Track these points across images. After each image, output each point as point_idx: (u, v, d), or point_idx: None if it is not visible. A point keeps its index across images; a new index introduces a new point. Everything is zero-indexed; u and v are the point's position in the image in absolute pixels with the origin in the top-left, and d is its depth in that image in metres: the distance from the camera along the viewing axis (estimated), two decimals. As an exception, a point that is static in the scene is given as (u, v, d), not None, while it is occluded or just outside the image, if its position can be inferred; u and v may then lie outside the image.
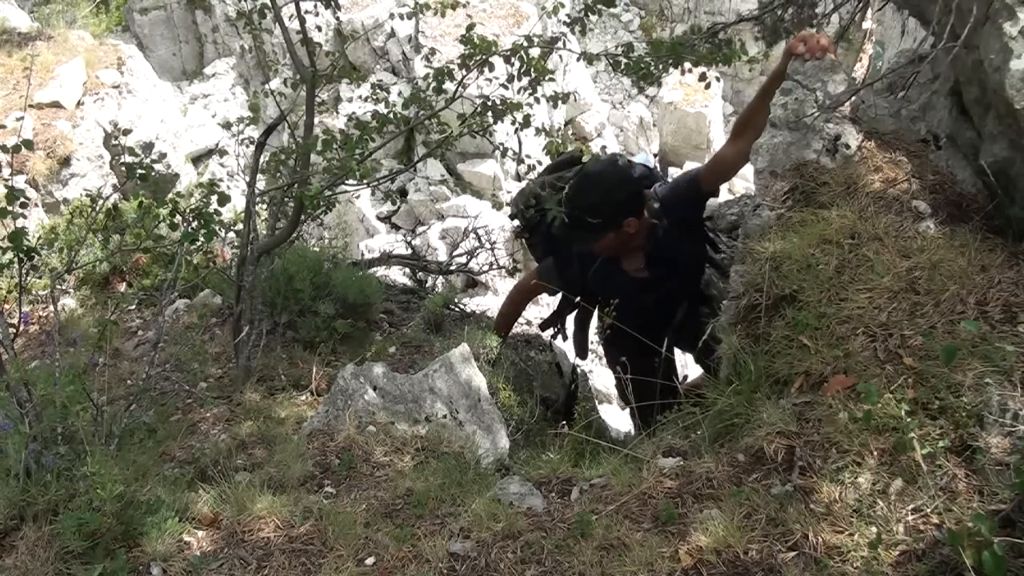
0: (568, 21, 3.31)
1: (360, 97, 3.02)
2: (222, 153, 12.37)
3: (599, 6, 2.95)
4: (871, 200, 2.17)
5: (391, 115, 2.97)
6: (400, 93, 3.01)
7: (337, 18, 3.45)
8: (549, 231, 3.02)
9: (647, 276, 3.04)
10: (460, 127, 2.97)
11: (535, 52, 2.86)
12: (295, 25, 3.03)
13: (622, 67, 2.94)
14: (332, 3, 3.12)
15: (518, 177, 10.47)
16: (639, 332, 2.85)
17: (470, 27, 2.99)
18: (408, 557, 1.77)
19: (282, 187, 3.13)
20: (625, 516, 1.76)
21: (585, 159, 3.19)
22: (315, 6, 3.10)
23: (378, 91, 3.36)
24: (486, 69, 2.84)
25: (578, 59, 2.95)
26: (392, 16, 3.14)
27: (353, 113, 2.98)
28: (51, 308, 3.05)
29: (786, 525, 1.57)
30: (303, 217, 3.16)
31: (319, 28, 3.34)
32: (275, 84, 10.98)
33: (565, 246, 3.05)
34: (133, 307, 4.48)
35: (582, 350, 3.52)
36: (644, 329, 2.87)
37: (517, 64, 2.82)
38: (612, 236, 2.83)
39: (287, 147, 3.08)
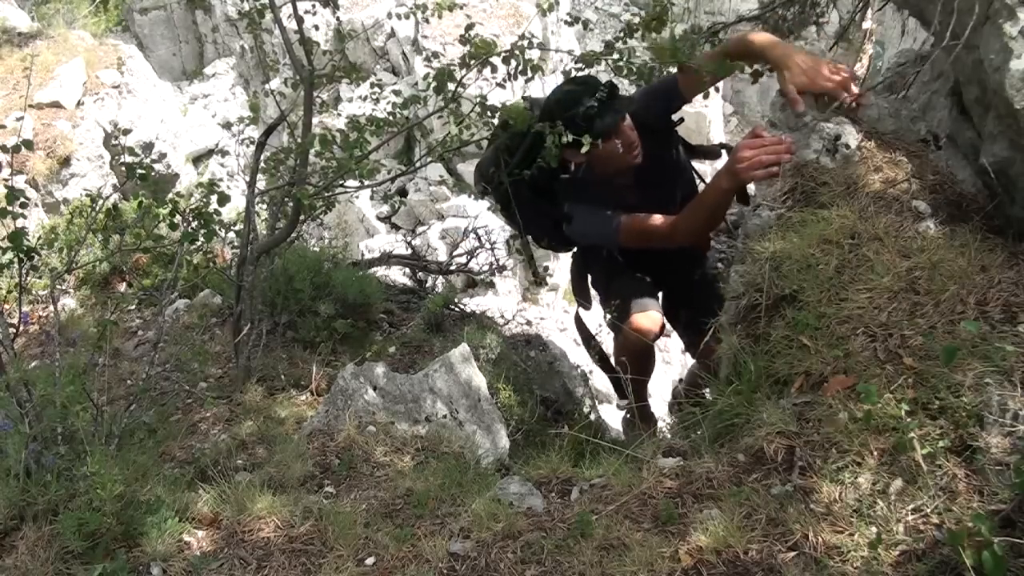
0: (569, 20, 3.29)
1: (360, 97, 3.00)
2: (222, 153, 12.37)
3: (652, 32, 2.89)
4: (871, 200, 2.17)
5: (390, 116, 2.96)
6: (400, 93, 2.99)
7: (337, 18, 3.44)
8: (527, 188, 2.93)
9: (631, 182, 2.93)
10: (460, 132, 2.94)
11: (534, 54, 2.85)
12: (294, 25, 3.02)
13: (624, 72, 2.92)
14: (331, 2, 3.11)
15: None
16: (633, 264, 2.96)
17: (469, 27, 2.98)
18: (408, 557, 1.77)
19: (281, 187, 3.12)
20: (625, 516, 1.76)
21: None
22: (313, 5, 3.10)
23: (377, 91, 3.35)
24: (487, 70, 2.83)
25: (577, 61, 2.92)
26: (390, 16, 3.12)
27: (352, 115, 2.98)
28: (51, 308, 3.05)
29: (786, 525, 1.57)
30: (303, 217, 3.16)
31: (316, 27, 3.33)
32: (275, 84, 10.98)
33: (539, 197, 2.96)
34: (133, 307, 4.48)
35: (585, 298, 3.49)
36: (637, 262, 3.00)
37: (514, 64, 2.81)
38: (605, 145, 2.71)
39: (287, 147, 3.07)
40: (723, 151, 3.11)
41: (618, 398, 3.40)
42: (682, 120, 3.07)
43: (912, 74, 2.57)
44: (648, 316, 2.97)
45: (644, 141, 2.83)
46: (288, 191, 3.03)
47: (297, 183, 2.90)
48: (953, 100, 2.43)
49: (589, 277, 3.42)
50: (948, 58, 2.13)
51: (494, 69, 2.84)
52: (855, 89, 2.35)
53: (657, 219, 2.79)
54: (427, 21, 3.16)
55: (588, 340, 3.49)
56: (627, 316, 2.96)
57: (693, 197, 3.03)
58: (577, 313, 3.55)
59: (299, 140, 2.91)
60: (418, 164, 3.26)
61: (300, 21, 2.92)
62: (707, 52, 2.82)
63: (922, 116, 2.53)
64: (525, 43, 2.80)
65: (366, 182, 3.05)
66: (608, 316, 3.09)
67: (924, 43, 2.47)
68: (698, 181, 3.25)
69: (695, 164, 3.27)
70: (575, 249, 3.45)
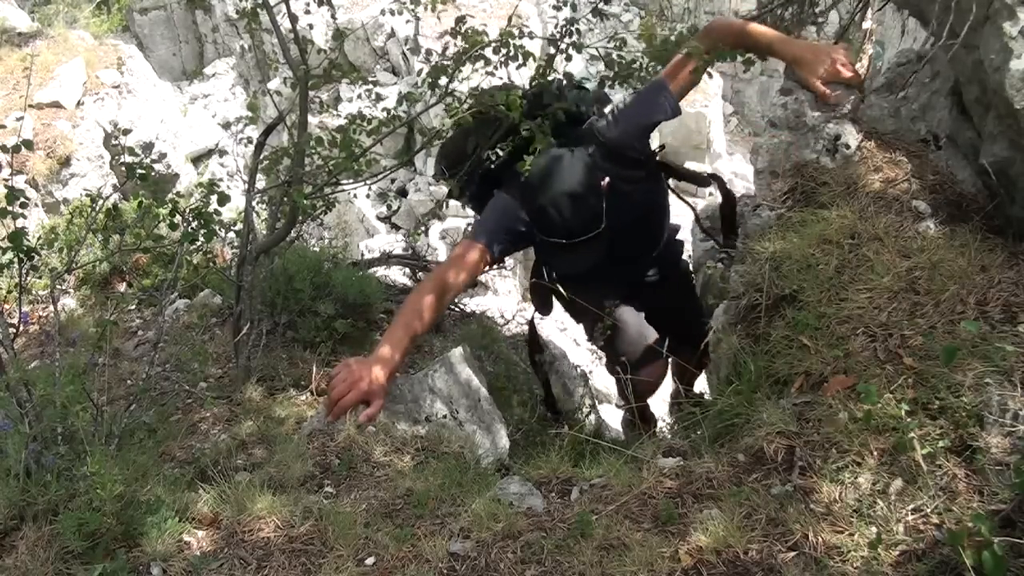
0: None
1: (358, 96, 3.00)
2: (222, 153, 12.38)
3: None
4: (871, 200, 2.18)
5: (384, 112, 2.94)
6: (400, 92, 2.98)
7: (333, 16, 3.42)
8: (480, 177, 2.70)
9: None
10: (456, 124, 2.90)
11: (532, 47, 2.83)
12: (289, 24, 3.01)
13: (615, 68, 2.88)
14: (327, 1, 3.10)
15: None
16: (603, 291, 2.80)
17: (460, 19, 2.97)
18: (408, 557, 1.77)
19: (280, 185, 3.12)
20: (625, 516, 1.76)
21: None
22: (308, 4, 3.08)
23: (370, 88, 3.30)
24: (480, 63, 2.80)
25: (568, 45, 2.85)
26: (384, 13, 3.12)
27: (350, 114, 2.98)
28: (51, 308, 3.05)
29: (786, 525, 1.57)
30: (301, 217, 3.16)
31: (311, 26, 3.33)
32: (275, 84, 10.98)
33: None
34: (133, 307, 4.48)
35: (545, 304, 3.12)
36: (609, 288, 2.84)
37: (504, 52, 2.78)
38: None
39: (284, 147, 3.06)
40: (712, 181, 2.95)
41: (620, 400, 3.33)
42: (663, 147, 2.87)
43: (912, 74, 2.57)
44: (655, 368, 2.93)
45: (617, 167, 2.54)
46: (286, 191, 3.03)
47: (293, 183, 2.90)
48: (953, 100, 2.43)
49: (554, 277, 3.07)
50: (947, 57, 2.13)
51: (487, 62, 2.81)
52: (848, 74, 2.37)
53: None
54: (433, 14, 3.06)
55: (536, 353, 3.25)
56: (636, 372, 2.85)
57: (662, 229, 2.90)
58: (532, 320, 3.25)
59: (295, 140, 2.90)
60: (413, 154, 3.22)
61: (294, 20, 2.91)
62: (696, 38, 2.61)
63: (922, 116, 2.53)
64: (516, 30, 2.78)
65: (364, 177, 3.02)
66: (614, 374, 2.99)
67: (924, 43, 2.47)
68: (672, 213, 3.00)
69: (679, 192, 3.04)
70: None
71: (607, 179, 2.47)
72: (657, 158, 2.80)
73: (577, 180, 2.44)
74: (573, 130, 2.64)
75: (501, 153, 2.64)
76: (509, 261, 6.08)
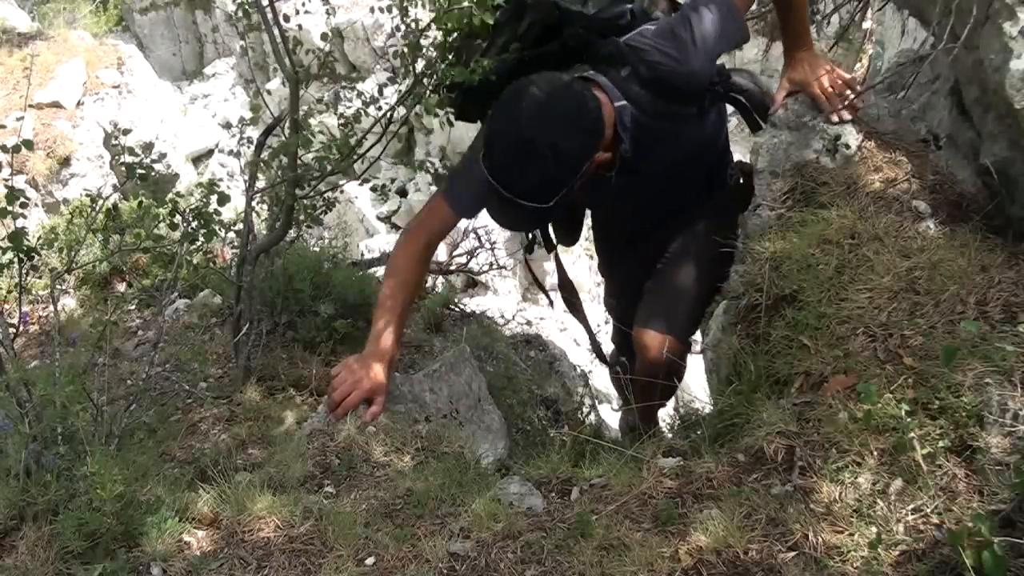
0: None
1: (357, 97, 2.99)
2: (231, 153, 12.39)
3: None
4: (871, 200, 2.18)
5: (364, 109, 2.90)
6: (399, 92, 2.98)
7: (327, 11, 3.38)
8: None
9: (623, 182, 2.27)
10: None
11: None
12: (284, 24, 3.00)
13: None
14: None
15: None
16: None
17: None
18: (408, 557, 1.77)
19: (277, 185, 3.12)
20: (625, 516, 1.76)
21: None
22: (303, 4, 3.07)
23: (350, 94, 3.28)
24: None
25: None
26: (373, 10, 3.07)
27: (343, 113, 2.97)
28: (51, 308, 3.05)
29: (786, 525, 1.57)
30: (303, 219, 3.16)
31: (300, 27, 3.30)
32: (274, 84, 10.98)
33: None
34: (133, 307, 4.48)
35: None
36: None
37: None
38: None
39: (277, 146, 3.06)
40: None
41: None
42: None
43: (912, 74, 2.57)
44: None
45: (666, 101, 2.15)
46: (284, 190, 3.03)
47: (288, 182, 2.90)
48: (953, 100, 2.43)
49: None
50: (948, 58, 2.14)
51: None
52: (850, 94, 2.35)
53: None
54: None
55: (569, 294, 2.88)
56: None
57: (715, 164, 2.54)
58: (557, 258, 2.84)
59: (286, 140, 2.90)
60: (386, 131, 3.07)
61: (285, 20, 2.90)
62: None
63: (922, 116, 2.53)
64: None
65: (354, 162, 3.00)
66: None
67: (924, 43, 2.47)
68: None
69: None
70: None
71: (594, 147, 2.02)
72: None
73: (539, 132, 1.93)
74: (599, 43, 2.13)
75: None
76: (509, 261, 6.07)
